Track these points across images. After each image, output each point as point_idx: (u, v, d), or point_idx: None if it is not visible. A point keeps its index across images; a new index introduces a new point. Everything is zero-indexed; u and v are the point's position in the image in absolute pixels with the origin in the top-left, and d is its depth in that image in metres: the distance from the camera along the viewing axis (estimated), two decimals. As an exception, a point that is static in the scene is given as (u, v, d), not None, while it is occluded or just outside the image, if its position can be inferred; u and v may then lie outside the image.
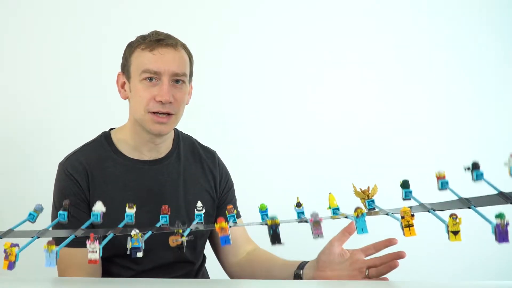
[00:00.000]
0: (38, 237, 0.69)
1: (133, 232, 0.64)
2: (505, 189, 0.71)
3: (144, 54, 1.08)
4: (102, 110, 1.84)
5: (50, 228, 0.77)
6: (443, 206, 0.71)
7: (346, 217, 0.71)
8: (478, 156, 0.77)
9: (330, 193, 0.80)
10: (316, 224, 0.61)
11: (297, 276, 1.04)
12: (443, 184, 0.75)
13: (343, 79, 2.13)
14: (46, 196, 1.18)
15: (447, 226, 0.61)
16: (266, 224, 0.63)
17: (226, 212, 0.79)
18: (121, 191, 1.11)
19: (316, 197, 1.03)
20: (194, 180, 1.19)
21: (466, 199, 0.70)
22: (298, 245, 1.19)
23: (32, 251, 0.74)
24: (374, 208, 0.75)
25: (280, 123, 2.07)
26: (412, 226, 0.61)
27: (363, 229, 0.61)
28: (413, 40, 2.18)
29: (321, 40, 2.11)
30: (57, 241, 0.69)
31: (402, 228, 0.62)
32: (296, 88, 2.09)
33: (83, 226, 0.75)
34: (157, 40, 1.08)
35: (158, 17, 1.94)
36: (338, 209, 0.77)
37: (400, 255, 0.94)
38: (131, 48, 1.12)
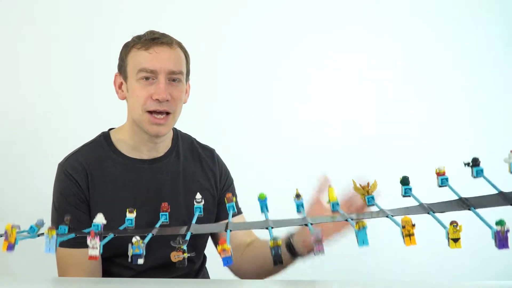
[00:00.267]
0: (38, 236, 0.69)
1: (134, 240, 0.64)
2: (505, 187, 0.71)
3: (140, 54, 1.08)
4: (101, 110, 1.83)
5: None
6: (443, 207, 0.70)
7: (346, 220, 0.71)
8: (479, 154, 0.77)
9: (330, 186, 0.80)
10: (317, 242, 0.61)
11: (289, 246, 1.04)
12: (443, 180, 0.75)
13: (343, 78, 2.13)
14: (46, 197, 1.18)
15: (448, 233, 0.61)
16: (269, 245, 0.63)
17: (225, 200, 0.79)
18: (121, 190, 1.11)
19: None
20: (194, 178, 1.19)
21: (466, 199, 0.70)
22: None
23: (33, 251, 0.74)
24: (373, 205, 0.75)
25: (280, 123, 2.06)
26: (413, 235, 0.61)
27: (364, 241, 0.61)
28: (413, 40, 2.18)
29: (321, 39, 2.11)
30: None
31: (403, 237, 0.62)
32: (296, 88, 2.09)
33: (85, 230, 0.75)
34: (152, 39, 1.09)
35: (153, 17, 1.94)
36: (338, 204, 0.77)
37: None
38: (127, 48, 1.12)
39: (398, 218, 0.68)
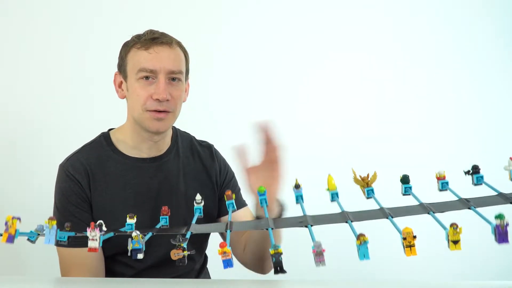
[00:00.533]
0: (39, 235, 0.69)
1: (133, 234, 0.64)
2: (506, 189, 0.71)
3: (140, 53, 1.08)
4: (101, 110, 1.84)
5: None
6: (443, 207, 0.70)
7: (346, 222, 0.71)
8: (479, 156, 0.77)
9: (329, 174, 0.79)
10: (319, 253, 0.61)
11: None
12: (443, 184, 0.75)
13: (343, 78, 2.13)
14: (46, 197, 1.18)
15: (448, 235, 0.61)
16: (270, 253, 0.63)
17: (225, 197, 0.79)
18: (122, 189, 1.11)
19: (316, 197, 1.03)
20: (194, 175, 1.20)
21: (466, 199, 0.70)
22: (299, 245, 1.19)
23: (33, 251, 0.74)
24: (371, 198, 0.74)
25: (280, 123, 2.06)
26: (414, 246, 0.61)
27: (365, 255, 0.61)
28: (413, 40, 2.18)
29: (321, 39, 2.11)
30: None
31: (404, 247, 0.61)
32: (296, 87, 2.09)
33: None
34: (152, 39, 1.09)
35: (153, 16, 1.94)
36: (337, 194, 0.77)
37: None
38: (126, 48, 1.12)
39: (398, 219, 0.68)
